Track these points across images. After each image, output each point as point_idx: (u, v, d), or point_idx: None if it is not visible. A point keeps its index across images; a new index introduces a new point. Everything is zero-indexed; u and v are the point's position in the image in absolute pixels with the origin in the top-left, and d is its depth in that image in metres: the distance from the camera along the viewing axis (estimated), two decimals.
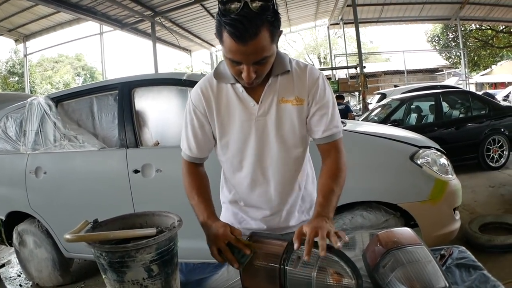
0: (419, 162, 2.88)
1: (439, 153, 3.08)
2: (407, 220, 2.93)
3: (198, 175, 1.56)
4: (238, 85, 1.41)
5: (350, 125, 3.35)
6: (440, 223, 2.93)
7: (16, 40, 14.91)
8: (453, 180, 3.00)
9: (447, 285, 1.02)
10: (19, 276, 4.31)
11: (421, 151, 2.95)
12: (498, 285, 1.14)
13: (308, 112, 1.44)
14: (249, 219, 1.60)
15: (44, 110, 3.63)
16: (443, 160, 3.03)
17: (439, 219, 2.91)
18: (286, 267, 1.17)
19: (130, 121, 3.36)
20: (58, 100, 3.70)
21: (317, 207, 1.32)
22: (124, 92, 3.42)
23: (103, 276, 1.24)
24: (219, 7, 1.17)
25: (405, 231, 1.25)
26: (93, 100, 3.63)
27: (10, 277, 4.33)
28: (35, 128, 3.67)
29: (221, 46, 1.26)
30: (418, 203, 2.86)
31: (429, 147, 3.06)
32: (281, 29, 1.27)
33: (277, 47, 1.33)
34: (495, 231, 4.01)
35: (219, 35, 1.22)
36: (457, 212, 3.04)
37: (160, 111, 3.66)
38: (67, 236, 1.13)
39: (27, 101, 3.81)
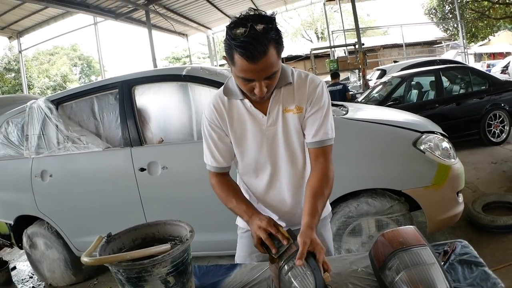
0: (422, 147, 2.91)
1: (441, 137, 3.10)
2: (412, 204, 2.98)
3: (228, 182, 1.67)
4: (246, 100, 1.53)
5: (352, 112, 3.35)
6: (444, 207, 2.97)
7: (9, 37, 14.76)
8: (456, 164, 3.02)
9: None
10: (31, 277, 4.38)
11: (423, 136, 2.97)
12: (498, 282, 1.19)
13: (304, 116, 1.54)
14: None
15: (45, 113, 3.63)
16: (445, 144, 3.05)
17: (442, 203, 2.96)
18: (282, 269, 1.27)
19: (133, 120, 3.37)
20: (58, 102, 3.70)
21: (306, 216, 1.40)
22: (124, 90, 3.43)
23: None
24: (227, 32, 1.28)
25: (410, 231, 1.29)
26: (94, 100, 3.64)
27: (22, 279, 4.40)
28: (37, 131, 3.68)
29: (231, 67, 1.37)
30: (422, 189, 2.90)
31: (431, 132, 3.08)
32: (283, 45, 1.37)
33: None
34: (498, 210, 4.04)
35: (230, 57, 1.32)
36: (460, 195, 3.07)
37: (162, 108, 3.67)
38: (85, 259, 1.16)
39: (26, 105, 3.81)
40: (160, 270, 1.21)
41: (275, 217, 1.66)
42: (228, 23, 1.32)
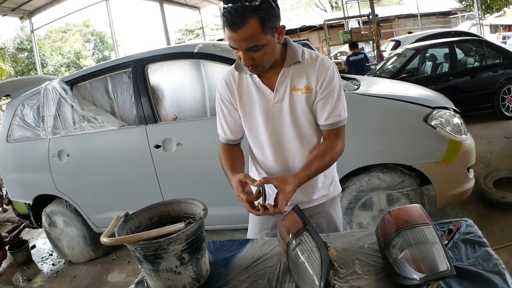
0: (433, 123, 2.91)
1: (452, 112, 3.09)
2: (422, 179, 3.01)
3: (232, 151, 1.74)
4: (255, 76, 1.58)
5: (364, 87, 3.35)
6: (454, 182, 3.00)
7: (21, 18, 14.75)
8: (467, 140, 3.02)
9: (450, 268, 1.12)
10: (51, 255, 4.54)
11: (434, 112, 2.97)
12: (499, 263, 1.21)
13: (315, 99, 1.57)
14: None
15: (60, 94, 3.70)
16: (457, 120, 3.05)
17: (453, 179, 2.98)
18: (290, 244, 1.32)
19: (147, 97, 3.43)
20: (72, 82, 3.77)
21: (300, 168, 1.51)
22: (138, 69, 3.47)
23: (139, 266, 1.35)
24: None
25: (416, 209, 1.32)
26: (108, 79, 3.70)
27: (42, 258, 4.56)
28: (53, 112, 3.75)
29: None
30: (432, 164, 2.92)
31: (443, 108, 3.07)
32: (282, 25, 1.45)
33: (286, 41, 1.56)
34: (510, 186, 4.02)
35: (223, 25, 1.40)
36: (471, 170, 3.08)
37: (175, 85, 3.70)
38: (105, 240, 1.23)
39: (41, 87, 3.87)
40: (175, 247, 1.27)
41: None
42: None
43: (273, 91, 1.57)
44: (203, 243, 1.42)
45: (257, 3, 1.32)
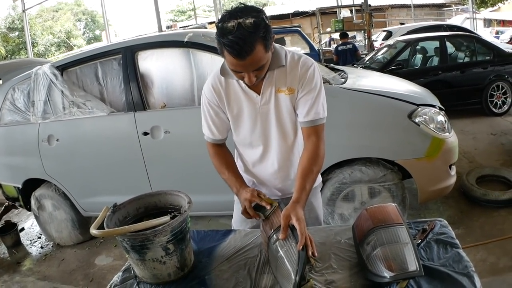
0: (417, 120, 2.98)
1: (437, 110, 3.16)
2: (404, 173, 3.09)
3: (224, 154, 1.82)
4: (241, 81, 1.62)
5: (351, 80, 3.40)
6: (436, 179, 3.08)
7: None
8: (450, 137, 3.09)
9: (419, 268, 1.19)
10: (39, 238, 4.57)
11: (419, 109, 3.03)
12: (470, 265, 1.28)
13: (296, 97, 1.64)
14: (260, 186, 1.85)
15: (50, 79, 3.70)
16: (441, 118, 3.12)
17: (434, 175, 3.07)
18: (271, 238, 1.40)
19: (136, 85, 3.45)
20: (63, 68, 3.76)
21: (295, 192, 1.54)
22: (128, 56, 3.48)
23: (127, 255, 1.42)
24: (217, 27, 1.37)
25: (391, 209, 1.39)
26: (98, 65, 3.69)
27: (31, 240, 4.59)
28: (43, 97, 3.75)
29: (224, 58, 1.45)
30: (414, 160, 3.01)
31: (428, 105, 3.14)
32: (273, 35, 1.44)
33: (273, 48, 1.53)
34: (492, 184, 4.06)
35: (220, 51, 1.41)
36: (453, 167, 3.16)
37: (164, 73, 3.72)
38: (94, 232, 1.29)
39: (32, 72, 3.86)
40: (160, 238, 1.34)
41: (268, 185, 1.83)
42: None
43: (259, 95, 1.64)
44: (187, 234, 1.48)
45: (257, 27, 1.34)
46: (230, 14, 1.36)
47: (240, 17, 1.33)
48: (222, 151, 1.82)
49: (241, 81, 1.63)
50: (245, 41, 1.33)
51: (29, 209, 4.29)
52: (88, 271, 3.68)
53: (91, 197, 3.78)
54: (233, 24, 1.32)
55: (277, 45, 1.62)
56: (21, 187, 4.12)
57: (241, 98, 1.68)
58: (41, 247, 4.36)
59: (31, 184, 4.10)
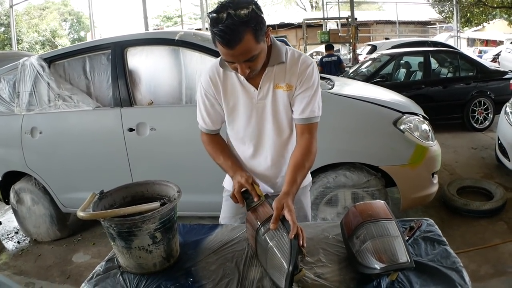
0: (401, 127, 3.02)
1: (421, 119, 3.22)
2: (388, 180, 3.12)
3: (218, 140, 1.84)
4: (240, 75, 1.61)
5: (338, 87, 3.44)
6: (418, 186, 3.13)
7: None
8: (434, 146, 3.15)
9: (409, 260, 1.20)
10: (16, 233, 4.46)
11: (404, 116, 3.08)
12: (458, 261, 1.31)
13: (294, 94, 1.66)
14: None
15: (37, 71, 3.64)
16: (425, 126, 3.17)
17: (417, 182, 3.11)
18: (259, 230, 1.39)
19: (124, 81, 3.42)
20: (50, 60, 3.70)
21: (285, 185, 1.54)
22: (117, 51, 3.46)
23: (112, 243, 1.39)
24: (208, 18, 1.39)
25: (380, 205, 1.41)
26: (86, 59, 3.65)
27: (8, 235, 4.47)
28: (29, 89, 3.69)
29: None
30: (398, 167, 3.05)
31: (412, 113, 3.19)
32: (268, 28, 1.48)
33: (271, 41, 1.60)
34: (472, 195, 4.17)
35: (213, 41, 1.42)
36: (435, 176, 3.22)
37: (153, 71, 3.70)
38: (81, 214, 1.26)
39: (19, 62, 3.79)
40: (149, 226, 1.32)
41: (259, 180, 1.79)
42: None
43: (257, 89, 1.64)
44: (175, 224, 1.47)
45: (247, 17, 1.36)
46: (222, 5, 1.38)
47: (231, 8, 1.35)
48: (216, 138, 1.83)
49: (240, 75, 1.62)
50: (234, 31, 1.35)
51: (7, 203, 4.19)
52: (65, 268, 3.60)
53: (72, 192, 3.71)
54: (223, 14, 1.35)
55: (278, 42, 1.64)
56: (0, 179, 4.02)
57: (238, 91, 1.68)
58: (18, 242, 4.25)
59: (11, 177, 4.00)
